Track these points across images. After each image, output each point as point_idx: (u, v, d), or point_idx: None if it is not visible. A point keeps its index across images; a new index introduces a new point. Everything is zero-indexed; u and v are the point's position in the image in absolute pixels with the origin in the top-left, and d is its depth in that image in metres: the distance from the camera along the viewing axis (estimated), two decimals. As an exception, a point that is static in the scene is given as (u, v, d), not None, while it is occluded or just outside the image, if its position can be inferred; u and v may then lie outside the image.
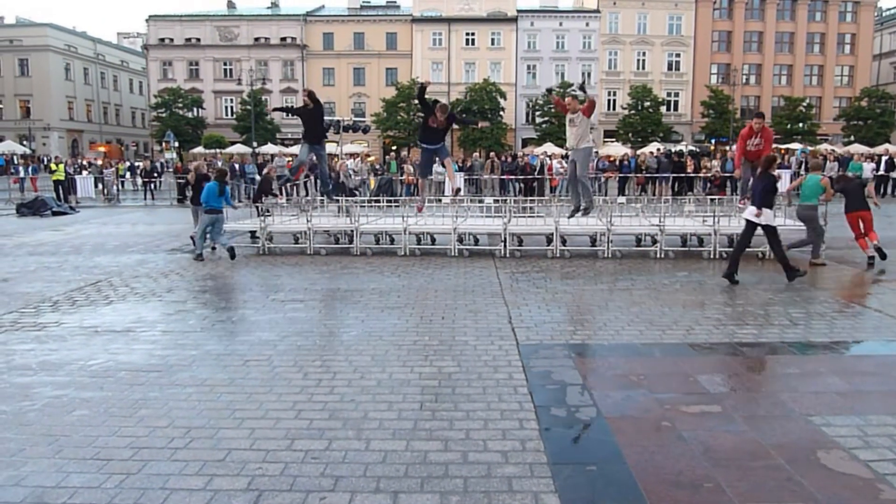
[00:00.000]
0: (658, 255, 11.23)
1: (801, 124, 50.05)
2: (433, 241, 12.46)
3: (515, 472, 3.65)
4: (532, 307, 7.61)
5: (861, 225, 10.42)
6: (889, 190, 25.55)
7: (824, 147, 38.42)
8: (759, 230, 8.92)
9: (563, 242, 11.73)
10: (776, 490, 3.45)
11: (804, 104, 50.91)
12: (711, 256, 11.18)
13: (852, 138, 47.70)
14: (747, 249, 11.30)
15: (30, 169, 30.31)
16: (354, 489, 3.49)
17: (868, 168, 25.14)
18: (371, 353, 5.82)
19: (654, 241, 11.45)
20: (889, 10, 64.54)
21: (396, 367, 5.46)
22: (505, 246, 11.42)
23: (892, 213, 18.38)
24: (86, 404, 4.70)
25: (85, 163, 32.55)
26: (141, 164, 31.14)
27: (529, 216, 13.20)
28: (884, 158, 25.80)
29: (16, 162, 33.97)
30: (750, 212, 8.88)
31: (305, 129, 11.09)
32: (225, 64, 56.70)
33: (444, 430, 4.20)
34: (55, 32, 59.88)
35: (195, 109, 53.20)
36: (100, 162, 32.51)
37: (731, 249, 10.51)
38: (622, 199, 17.82)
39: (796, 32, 56.21)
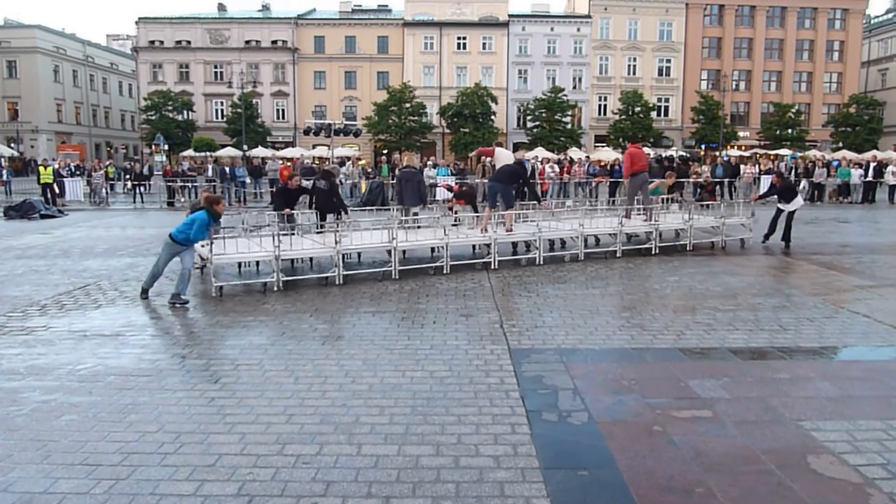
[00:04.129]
0: (653, 252, 11.78)
1: (790, 130, 50.52)
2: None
3: (507, 477, 3.65)
4: (524, 311, 7.62)
5: None
6: (889, 197, 25.65)
7: (812, 153, 38.75)
8: None
9: (564, 245, 12.34)
10: (767, 495, 3.47)
11: (793, 110, 51.38)
12: (687, 249, 12.07)
13: (841, 144, 48.20)
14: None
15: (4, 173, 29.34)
16: (346, 494, 3.48)
17: (856, 174, 25.36)
18: (362, 358, 5.81)
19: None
20: (877, 17, 65.24)
21: (388, 371, 5.45)
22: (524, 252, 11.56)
23: (881, 219, 18.56)
24: (74, 409, 4.66)
25: (62, 165, 30.08)
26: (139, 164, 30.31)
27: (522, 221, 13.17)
28: (872, 165, 26.02)
29: (2, 164, 33.42)
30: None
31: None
32: (215, 67, 56.51)
33: (436, 435, 4.20)
34: (44, 34, 59.46)
35: (185, 112, 52.98)
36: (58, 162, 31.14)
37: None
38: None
39: (786, 39, 56.72)
